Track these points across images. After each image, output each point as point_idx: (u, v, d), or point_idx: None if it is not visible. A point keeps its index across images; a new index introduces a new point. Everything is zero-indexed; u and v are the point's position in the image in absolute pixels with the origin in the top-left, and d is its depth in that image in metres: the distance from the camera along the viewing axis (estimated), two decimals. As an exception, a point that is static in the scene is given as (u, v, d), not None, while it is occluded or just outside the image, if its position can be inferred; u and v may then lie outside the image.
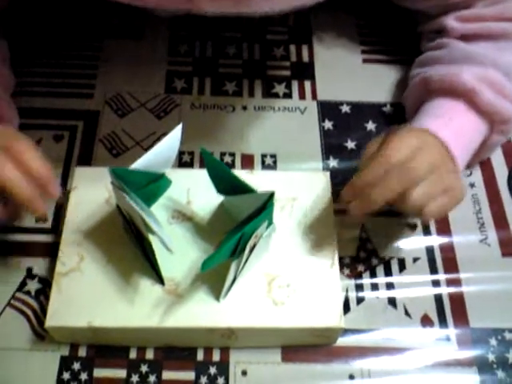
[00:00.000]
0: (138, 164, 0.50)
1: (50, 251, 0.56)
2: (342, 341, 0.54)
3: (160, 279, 0.51)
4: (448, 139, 0.54)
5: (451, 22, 0.62)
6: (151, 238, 0.49)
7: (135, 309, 0.50)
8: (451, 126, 0.56)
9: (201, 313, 0.50)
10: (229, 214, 0.55)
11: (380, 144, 0.51)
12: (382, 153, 0.49)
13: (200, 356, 0.53)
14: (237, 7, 0.53)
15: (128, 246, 0.53)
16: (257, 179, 0.56)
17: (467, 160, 0.58)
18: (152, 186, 0.54)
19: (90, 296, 0.51)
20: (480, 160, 0.65)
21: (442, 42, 0.63)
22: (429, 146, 0.51)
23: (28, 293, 0.55)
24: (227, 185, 0.51)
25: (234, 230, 0.47)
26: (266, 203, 0.48)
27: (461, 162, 0.55)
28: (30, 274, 0.56)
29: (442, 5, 0.62)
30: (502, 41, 0.60)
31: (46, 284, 0.55)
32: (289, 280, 0.52)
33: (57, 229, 0.58)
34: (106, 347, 0.52)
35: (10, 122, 0.59)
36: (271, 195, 0.48)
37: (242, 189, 0.50)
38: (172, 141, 0.51)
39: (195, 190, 0.57)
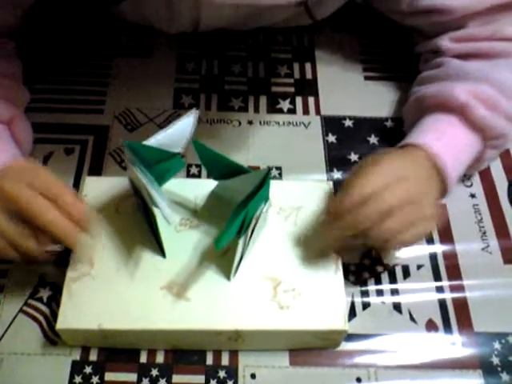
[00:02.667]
0: (151, 141, 0.51)
1: (62, 259, 0.57)
2: (349, 345, 0.55)
3: (162, 252, 0.54)
4: (438, 151, 0.56)
5: (446, 42, 0.64)
6: (155, 211, 0.51)
7: (144, 311, 0.51)
8: (443, 139, 0.57)
9: (208, 316, 0.51)
10: (228, 206, 0.55)
11: (358, 174, 0.52)
12: (357, 183, 0.51)
13: (209, 360, 0.54)
14: None
15: (137, 251, 0.55)
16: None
17: (461, 171, 0.59)
18: (164, 163, 0.55)
19: (100, 299, 0.52)
20: (477, 170, 0.66)
21: (438, 62, 0.65)
22: (406, 176, 0.52)
23: (40, 299, 0.56)
24: (221, 170, 0.53)
25: (237, 211, 0.49)
26: (262, 181, 0.50)
27: (453, 171, 0.56)
28: (42, 282, 0.57)
29: (437, 22, 0.64)
30: (495, 59, 0.62)
31: (58, 291, 0.55)
32: (294, 285, 0.53)
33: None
34: (116, 351, 0.53)
35: (25, 141, 0.63)
36: (268, 172, 0.49)
37: (236, 170, 0.51)
38: (187, 123, 0.52)
39: (202, 199, 0.59)
